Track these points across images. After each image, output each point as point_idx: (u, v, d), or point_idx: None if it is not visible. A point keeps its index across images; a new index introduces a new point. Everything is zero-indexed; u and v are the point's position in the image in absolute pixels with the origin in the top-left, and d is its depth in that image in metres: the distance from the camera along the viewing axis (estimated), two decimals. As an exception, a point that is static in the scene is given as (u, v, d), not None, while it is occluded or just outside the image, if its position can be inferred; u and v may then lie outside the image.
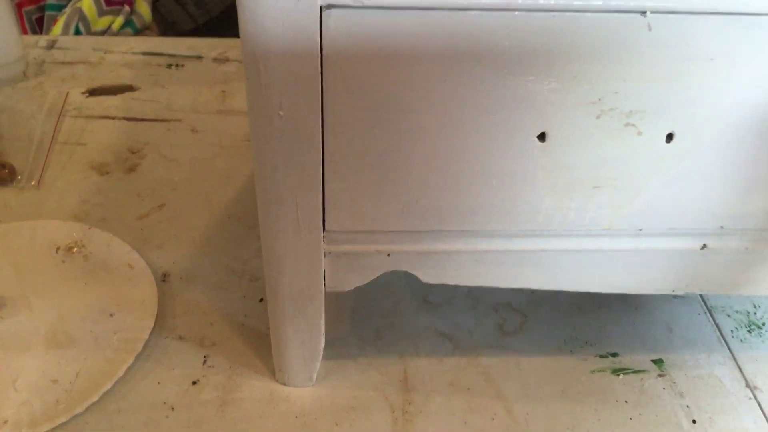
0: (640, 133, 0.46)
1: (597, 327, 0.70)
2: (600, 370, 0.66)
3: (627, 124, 0.46)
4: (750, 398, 0.64)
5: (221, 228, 0.80)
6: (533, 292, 0.74)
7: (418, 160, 0.47)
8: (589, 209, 0.51)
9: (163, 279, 0.72)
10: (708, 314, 0.72)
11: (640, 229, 0.53)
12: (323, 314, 0.58)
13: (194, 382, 0.63)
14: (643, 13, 0.40)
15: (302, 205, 0.49)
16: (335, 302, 0.71)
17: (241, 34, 0.41)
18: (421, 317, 0.71)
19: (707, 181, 0.49)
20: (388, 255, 0.53)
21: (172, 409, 0.60)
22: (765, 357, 0.68)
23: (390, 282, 0.74)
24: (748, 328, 0.71)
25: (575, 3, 0.40)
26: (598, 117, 0.45)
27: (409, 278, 0.72)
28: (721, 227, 0.53)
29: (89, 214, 0.79)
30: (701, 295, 0.74)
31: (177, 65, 1.07)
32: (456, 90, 0.43)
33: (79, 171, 0.85)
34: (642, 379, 0.66)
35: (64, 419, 0.57)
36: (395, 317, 0.70)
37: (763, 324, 0.72)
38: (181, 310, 0.69)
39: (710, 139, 0.47)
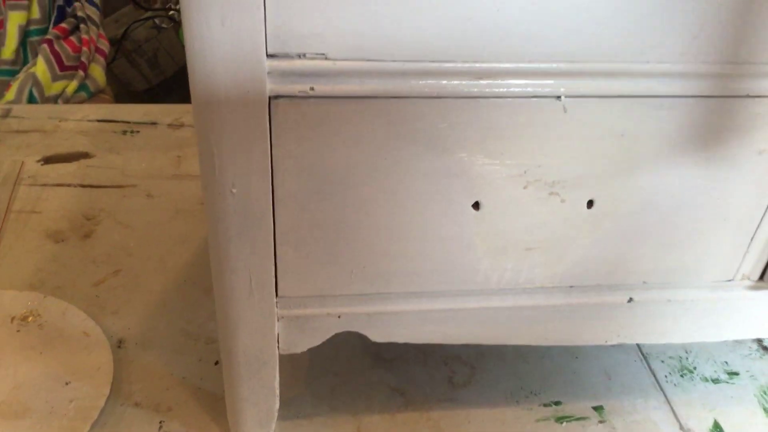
0: (563, 201, 0.51)
1: (540, 377, 0.74)
2: (544, 419, 0.70)
3: (551, 193, 0.50)
4: (684, 440, 0.69)
5: (177, 292, 0.82)
6: (478, 344, 0.77)
7: (364, 229, 0.50)
8: (523, 269, 0.55)
9: (118, 345, 0.73)
10: (644, 361, 0.77)
11: (571, 286, 0.57)
12: (277, 376, 0.61)
13: (154, 448, 0.64)
14: (558, 97, 0.46)
15: (255, 274, 0.52)
16: (290, 361, 0.74)
17: (195, 124, 0.44)
18: (374, 373, 0.73)
19: (627, 241, 0.54)
20: (339, 317, 0.56)
21: (130, 476, 0.61)
22: (697, 400, 0.73)
23: (344, 339, 0.76)
24: (681, 373, 0.76)
25: (497, 90, 0.45)
26: (525, 187, 0.50)
27: (362, 336, 0.75)
28: (644, 282, 0.58)
29: (45, 282, 0.80)
30: (637, 343, 0.79)
31: (132, 131, 1.10)
32: (396, 166, 0.48)
33: (34, 239, 0.86)
34: (584, 426, 0.69)
35: (19, 492, 0.57)
36: (349, 374, 0.73)
37: (695, 368, 0.77)
38: (137, 376, 0.70)
39: (626, 204, 0.52)
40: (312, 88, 0.44)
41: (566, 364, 0.76)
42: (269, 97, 0.43)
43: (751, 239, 0.56)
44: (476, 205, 0.50)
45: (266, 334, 0.55)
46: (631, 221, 0.53)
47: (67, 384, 0.67)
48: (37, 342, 0.71)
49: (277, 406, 0.62)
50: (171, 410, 0.67)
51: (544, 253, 0.54)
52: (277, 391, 0.61)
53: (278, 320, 0.55)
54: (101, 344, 0.71)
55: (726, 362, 0.78)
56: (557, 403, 0.71)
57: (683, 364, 0.77)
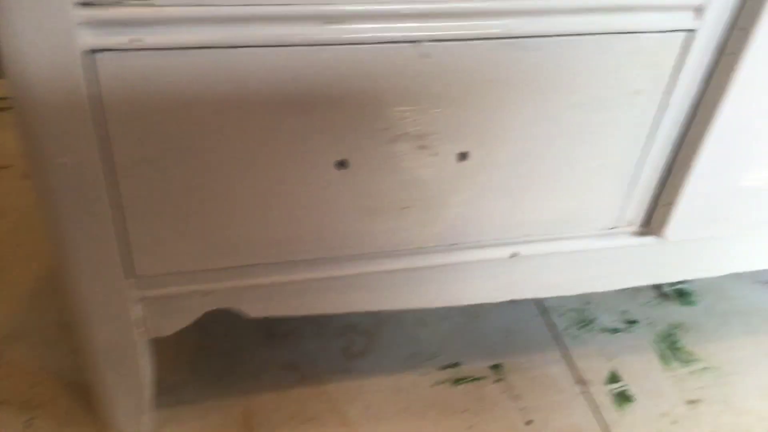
0: (435, 154, 0.48)
1: (439, 340, 0.72)
2: (441, 383, 0.68)
3: (421, 147, 0.47)
4: (580, 393, 0.68)
5: (50, 281, 0.75)
6: (377, 311, 0.75)
7: (218, 197, 0.46)
8: (400, 230, 0.52)
9: (-20, 340, 0.67)
10: (543, 315, 0.76)
11: (453, 244, 0.54)
12: (146, 361, 0.56)
13: (15, 450, 0.58)
14: (416, 42, 0.42)
15: (101, 253, 0.46)
16: (175, 344, 0.69)
17: (11, 91, 0.38)
18: (266, 351, 0.69)
19: (505, 194, 0.52)
20: (207, 294, 0.52)
21: (-11, 483, 0.56)
22: (595, 351, 0.72)
23: (233, 318, 0.72)
24: (580, 325, 0.75)
25: (348, 36, 0.41)
26: (392, 141, 0.46)
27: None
28: (527, 235, 0.56)
29: None
30: (536, 298, 0.78)
31: (4, 108, 1.00)
32: (246, 125, 0.43)
33: None
34: (480, 386, 0.68)
35: None
36: (238, 354, 0.69)
37: (594, 319, 0.76)
38: (3, 373, 0.64)
39: (501, 154, 0.49)
40: (136, 39, 0.39)
41: (466, 324, 0.74)
42: (90, 50, 0.38)
43: (632, 185, 0.54)
44: (342, 164, 0.47)
45: (122, 318, 0.51)
46: (508, 173, 0.51)
47: None
48: None
49: (149, 393, 0.57)
50: (40, 407, 0.62)
51: (420, 211, 0.51)
52: (148, 378, 0.56)
53: (138, 302, 0.51)
54: (-43, 342, 0.64)
55: (625, 311, 0.78)
56: (455, 365, 0.70)
57: (583, 316, 0.77)
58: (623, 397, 0.68)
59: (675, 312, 0.78)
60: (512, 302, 0.76)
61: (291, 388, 0.66)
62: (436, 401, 0.66)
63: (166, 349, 0.68)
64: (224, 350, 0.69)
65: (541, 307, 0.77)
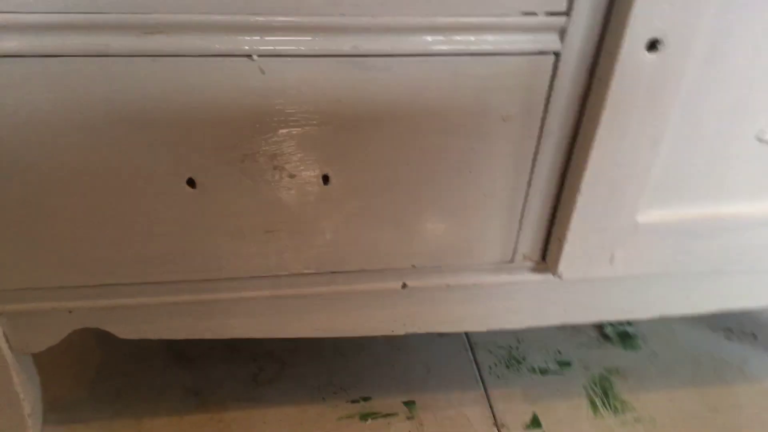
0: (292, 176, 0.46)
1: (355, 371, 0.69)
2: (348, 417, 0.65)
3: (275, 167, 0.45)
4: (495, 436, 0.64)
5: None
6: (298, 339, 0.72)
7: (60, 212, 0.45)
8: (270, 254, 0.50)
9: None
10: (469, 351, 0.72)
11: (333, 272, 0.52)
12: (26, 377, 0.55)
13: None
14: (250, 56, 0.40)
15: (-53, 263, 0.46)
16: (78, 362, 0.68)
17: None
18: (171, 372, 0.68)
19: (380, 222, 0.49)
20: (70, 312, 0.51)
21: None
22: (519, 393, 0.68)
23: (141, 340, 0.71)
24: (508, 364, 0.71)
25: (172, 47, 0.39)
26: (242, 161, 0.44)
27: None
28: (414, 266, 0.53)
29: None
30: (466, 332, 0.74)
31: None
32: (83, 139, 0.42)
33: None
34: (389, 422, 0.64)
35: None
36: (142, 375, 0.67)
37: (524, 358, 0.72)
38: None
39: (368, 180, 0.47)
40: (-45, 47, 0.38)
41: (385, 356, 0.71)
42: None
43: (521, 216, 0.51)
44: (191, 183, 0.45)
45: (-18, 332, 0.50)
46: (379, 198, 0.48)
47: None
48: None
49: (32, 409, 0.56)
50: (-71, 418, 0.61)
51: (289, 236, 0.49)
52: (30, 394, 0.55)
53: (-3, 316, 0.50)
54: None
55: (559, 351, 0.73)
56: (366, 399, 0.66)
57: (512, 353, 0.73)
58: (540, 444, 0.64)
59: (615, 355, 0.73)
60: (440, 335, 0.73)
61: (188, 413, 0.64)
62: (337, 436, 0.63)
63: (66, 366, 0.67)
64: (128, 370, 0.67)
65: (468, 342, 0.73)
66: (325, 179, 0.46)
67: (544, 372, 0.71)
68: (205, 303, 0.52)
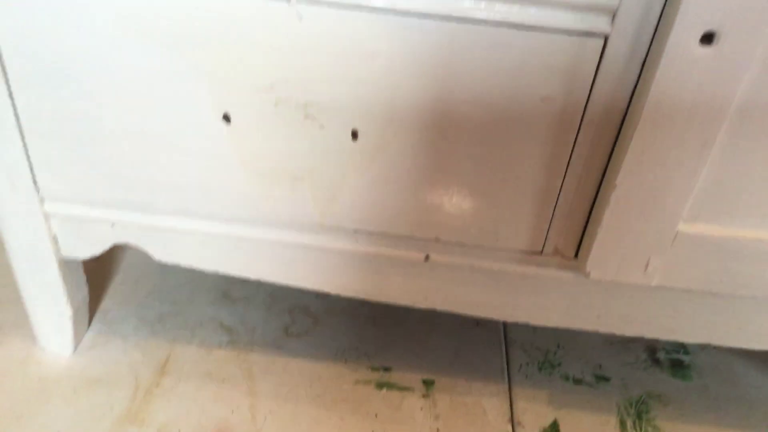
0: (322, 127, 0.46)
1: (382, 342, 0.69)
2: (365, 382, 0.65)
3: (306, 116, 0.46)
4: (507, 432, 0.62)
5: None
6: (336, 301, 0.73)
7: (108, 126, 0.48)
8: (296, 201, 0.51)
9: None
10: (503, 345, 0.70)
11: (355, 230, 0.52)
12: (73, 282, 0.60)
13: (-42, 334, 0.65)
14: (289, 1, 0.41)
15: (10, 163, 0.50)
16: (133, 282, 0.73)
17: None
18: (212, 309, 0.71)
19: (406, 187, 0.49)
20: (112, 225, 0.54)
21: (-76, 355, 0.62)
22: (544, 396, 0.66)
23: (196, 275, 0.74)
24: (541, 366, 0.69)
25: (217, -18, 0.41)
26: (276, 105, 0.46)
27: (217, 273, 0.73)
28: (437, 238, 0.52)
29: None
30: (504, 326, 0.72)
31: None
32: (131, 59, 0.45)
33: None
34: (403, 396, 0.64)
35: None
36: (186, 306, 0.71)
37: (559, 364, 0.69)
38: (-17, 268, 0.72)
39: (397, 140, 0.47)
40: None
41: (416, 334, 0.71)
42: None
43: (555, 206, 0.49)
44: (227, 118, 0.47)
45: (37, 231, 0.54)
46: (407, 164, 0.48)
47: None
48: None
49: (70, 312, 0.61)
50: (-2, 305, 0.68)
51: (314, 186, 0.50)
52: (66, 297, 0.60)
53: (50, 219, 0.54)
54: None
55: (600, 365, 0.70)
56: (386, 369, 0.66)
57: (548, 357, 0.70)
58: (553, 452, 0.61)
59: (661, 381, 0.68)
60: (477, 324, 0.72)
61: (218, 348, 0.67)
62: (351, 397, 0.63)
63: (120, 284, 0.72)
64: (174, 299, 0.71)
65: (505, 336, 0.71)
66: (354, 135, 0.47)
67: (577, 382, 0.68)
68: (231, 239, 0.54)
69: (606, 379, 0.68)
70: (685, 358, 0.71)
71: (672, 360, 0.71)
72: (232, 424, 0.60)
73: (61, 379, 0.62)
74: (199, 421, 0.60)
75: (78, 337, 0.64)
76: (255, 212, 0.52)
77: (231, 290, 0.73)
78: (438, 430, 0.62)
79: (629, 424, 0.64)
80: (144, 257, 0.75)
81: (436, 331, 0.71)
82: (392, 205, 0.50)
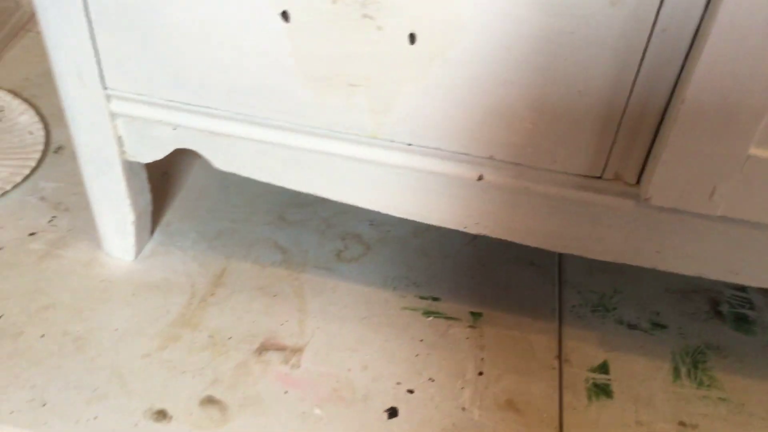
0: (380, 28, 0.46)
1: (433, 273, 0.69)
2: (412, 309, 0.65)
3: (364, 15, 0.45)
4: (554, 368, 0.61)
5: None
6: (389, 230, 0.73)
7: (173, 24, 0.49)
8: (351, 110, 0.51)
9: (55, 151, 0.78)
10: (556, 286, 0.69)
11: (409, 144, 0.52)
12: (127, 182, 0.61)
13: (31, 234, 0.68)
14: None
15: (79, 59, 0.52)
16: (196, 198, 0.75)
17: None
18: (268, 230, 0.72)
19: (464, 97, 0.48)
20: (174, 129, 0.56)
21: (1, 248, 0.66)
22: (595, 338, 0.64)
23: (255, 196, 0.76)
24: (594, 308, 0.67)
25: None
26: (334, 2, 0.45)
27: (274, 196, 0.75)
28: (492, 157, 0.51)
29: (26, 89, 0.87)
30: (559, 267, 0.71)
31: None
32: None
33: (37, 55, 0.94)
34: (450, 325, 0.64)
35: None
36: (243, 224, 0.72)
37: (614, 308, 0.67)
38: (57, 176, 0.75)
39: (457, 48, 0.45)
40: None
41: (469, 268, 0.70)
42: None
43: (618, 126, 0.47)
44: (285, 16, 0.47)
45: (103, 129, 0.56)
46: (465, 73, 0.46)
47: (-9, 166, 0.74)
48: (-12, 130, 0.78)
49: (132, 217, 0.63)
50: (68, 210, 0.71)
51: (370, 95, 0.49)
52: (129, 201, 0.62)
53: (115, 118, 0.56)
54: (36, 145, 0.77)
55: (657, 312, 0.67)
56: (435, 299, 0.66)
57: (603, 300, 0.68)
58: (601, 390, 0.60)
59: (721, 334, 0.65)
60: (531, 264, 0.70)
61: (271, 265, 0.68)
62: (397, 322, 0.64)
63: (182, 199, 0.75)
64: (235, 217, 0.73)
65: (559, 278, 0.70)
66: (412, 38, 0.46)
67: (632, 327, 0.65)
68: (287, 149, 0.54)
69: (662, 327, 0.66)
70: (750, 314, 0.68)
71: (736, 314, 0.67)
72: (280, 335, 0.62)
73: (121, 281, 0.65)
74: (249, 330, 0.62)
75: (140, 245, 0.67)
76: (311, 121, 0.52)
77: (287, 214, 0.74)
78: (483, 359, 0.61)
79: (683, 371, 0.62)
80: (206, 177, 0.77)
81: (488, 267, 0.70)
82: (448, 117, 0.49)
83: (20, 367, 0.57)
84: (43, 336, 0.59)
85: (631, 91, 0.45)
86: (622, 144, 0.47)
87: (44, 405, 0.55)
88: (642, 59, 0.43)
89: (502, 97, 0.47)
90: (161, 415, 0.54)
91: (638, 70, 0.43)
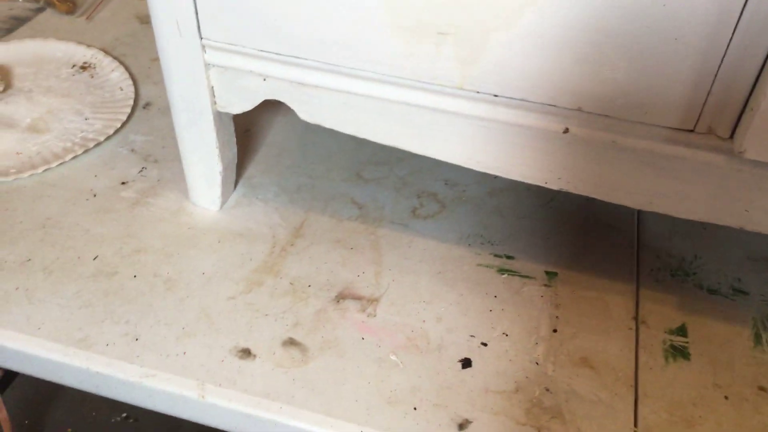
0: (473, -25, 0.46)
1: (508, 232, 0.69)
2: (487, 266, 0.66)
3: (458, -38, 0.46)
4: (630, 329, 0.61)
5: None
6: (464, 190, 0.74)
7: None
8: (438, 59, 0.51)
9: (144, 107, 0.82)
10: (635, 249, 0.68)
11: (495, 95, 0.52)
12: (225, 137, 0.64)
13: (123, 183, 0.72)
14: None
15: (178, 9, 0.54)
16: (276, 154, 0.77)
17: None
18: (346, 185, 0.74)
19: (554, 46, 0.48)
20: (264, 79, 0.58)
21: (95, 195, 0.70)
22: (674, 301, 0.63)
23: (332, 154, 0.77)
24: (673, 273, 0.66)
25: None
26: (429, -50, 0.46)
27: (352, 154, 0.76)
28: (580, 108, 0.50)
29: (115, 48, 0.91)
30: (638, 230, 0.70)
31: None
32: None
33: (125, 17, 0.98)
34: (525, 283, 0.64)
35: (9, 179, 0.69)
36: (322, 180, 0.74)
37: (694, 273, 0.66)
38: (146, 130, 0.79)
39: (549, -6, 0.45)
40: None
41: (544, 228, 0.70)
42: None
43: (715, 76, 0.46)
44: (379, -35, 0.48)
45: (197, 78, 0.59)
46: (555, 19, 0.46)
47: (86, 119, 0.77)
48: (83, 85, 0.82)
49: (220, 167, 0.66)
50: (157, 162, 0.75)
51: (458, 43, 0.50)
52: (218, 151, 0.64)
53: (209, 68, 0.58)
54: (127, 100, 0.80)
55: (739, 279, 0.66)
56: (509, 257, 0.67)
57: (683, 265, 0.67)
58: (678, 352, 0.59)
59: (808, 302, 0.64)
60: (609, 227, 0.70)
61: (348, 219, 0.70)
62: (472, 278, 0.64)
63: (265, 155, 0.77)
64: (314, 173, 0.75)
65: (638, 241, 0.69)
66: (506, -14, 0.46)
67: (712, 292, 0.64)
68: (372, 100, 0.55)
69: (744, 293, 0.64)
70: (841, 284, 0.65)
71: (824, 284, 0.65)
72: (357, 286, 0.63)
73: (207, 229, 0.67)
74: (327, 280, 0.64)
75: (225, 196, 0.69)
76: (397, 71, 0.53)
77: (363, 171, 0.76)
78: (557, 317, 0.61)
79: (765, 338, 0.60)
80: (286, 136, 0.79)
81: (564, 228, 0.70)
82: (536, 67, 0.49)
83: (115, 304, 0.60)
84: (135, 276, 0.63)
85: (731, 37, 0.44)
86: (718, 95, 0.46)
87: (137, 339, 0.58)
88: (745, 2, 0.42)
89: (593, 45, 0.47)
90: (246, 353, 0.57)
91: (740, 14, 0.42)
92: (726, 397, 0.56)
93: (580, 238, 0.69)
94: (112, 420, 1.39)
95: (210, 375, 0.55)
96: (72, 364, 0.56)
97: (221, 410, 0.54)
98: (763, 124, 0.45)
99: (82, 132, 0.75)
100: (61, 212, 0.68)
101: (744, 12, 0.42)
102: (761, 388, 0.57)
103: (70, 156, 0.72)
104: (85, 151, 0.73)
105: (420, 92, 0.54)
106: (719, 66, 0.45)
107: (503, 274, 0.65)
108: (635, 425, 0.54)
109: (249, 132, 0.79)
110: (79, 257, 0.64)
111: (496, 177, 0.73)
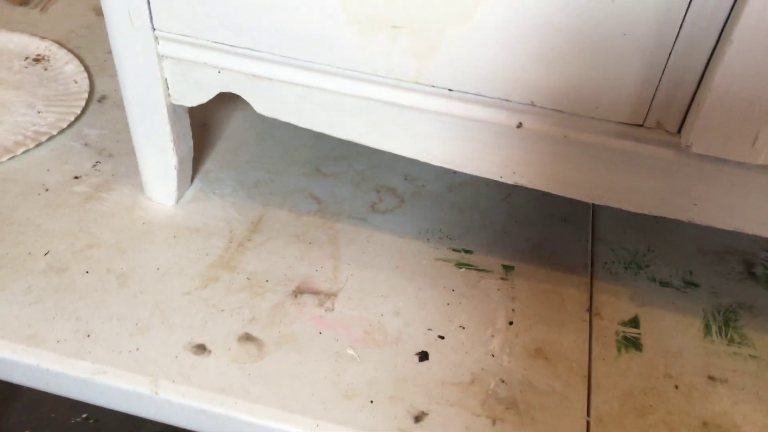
0: (426, -31, 0.46)
1: (466, 227, 0.70)
2: (445, 260, 0.66)
3: (411, -44, 0.46)
4: (584, 321, 0.62)
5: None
6: (423, 185, 0.74)
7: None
8: (393, 53, 0.51)
9: (99, 100, 0.80)
10: (589, 243, 0.69)
11: (450, 89, 0.52)
12: (178, 130, 0.63)
13: (76, 177, 0.70)
14: None
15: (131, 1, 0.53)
16: (234, 148, 0.76)
17: None
18: (305, 180, 0.73)
19: (508, 40, 0.48)
20: (219, 72, 0.57)
21: (47, 190, 0.68)
22: (626, 293, 0.65)
23: (291, 149, 0.77)
24: (626, 265, 0.67)
25: None
26: (382, -58, 0.46)
27: (311, 149, 0.76)
28: (532, 103, 0.51)
29: (70, 40, 0.89)
30: (592, 224, 0.71)
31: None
32: None
33: (80, 9, 0.96)
34: (482, 277, 0.65)
35: (-44, 173, 0.67)
36: (280, 175, 0.74)
37: (647, 266, 0.67)
38: (101, 124, 0.77)
39: (502, -11, 0.46)
40: None
41: (503, 225, 0.70)
42: None
43: (663, 71, 0.47)
44: (333, -43, 0.47)
45: (150, 71, 0.58)
46: (511, 11, 0.47)
47: (39, 113, 0.76)
48: (36, 78, 0.80)
49: (175, 162, 0.65)
50: (112, 156, 0.73)
51: (414, 37, 0.50)
52: (172, 145, 0.63)
53: (162, 60, 0.57)
54: (81, 93, 0.79)
55: (690, 272, 0.67)
56: (468, 252, 0.67)
57: (636, 258, 0.68)
58: (630, 343, 0.60)
59: (755, 294, 0.65)
60: (564, 221, 0.71)
61: (306, 214, 0.69)
62: (429, 271, 0.65)
63: (222, 150, 0.76)
64: (272, 168, 0.74)
65: (592, 235, 0.70)
66: (458, -20, 0.46)
67: (664, 284, 0.66)
68: (327, 93, 0.55)
69: (695, 285, 0.66)
70: (786, 276, 0.67)
71: (770, 276, 0.67)
72: (315, 280, 0.63)
73: (162, 224, 0.66)
74: (285, 274, 0.63)
75: (181, 190, 0.68)
76: (352, 64, 0.53)
77: (322, 166, 0.75)
78: (513, 310, 0.62)
79: (714, 329, 0.62)
80: (244, 130, 0.79)
81: (521, 223, 0.71)
82: (491, 61, 0.50)
83: (66, 300, 0.59)
84: (87, 272, 0.62)
85: (678, 33, 0.45)
86: (666, 90, 0.47)
87: (89, 336, 0.57)
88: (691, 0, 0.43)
89: (545, 40, 0.47)
90: (201, 348, 0.56)
91: (686, 10, 0.43)
92: (676, 387, 0.57)
93: (537, 233, 0.70)
94: (72, 421, 1.37)
95: (164, 371, 0.55)
96: (21, 361, 0.55)
97: (175, 406, 0.54)
98: (709, 118, 0.46)
99: (34, 125, 0.74)
100: (11, 207, 0.66)
101: (690, 8, 0.43)
102: (710, 377, 0.58)
103: (22, 150, 0.70)
104: (38, 145, 0.72)
105: (375, 86, 0.54)
106: (667, 61, 0.46)
107: (461, 268, 0.65)
108: (588, 414, 0.55)
109: (206, 126, 0.78)
110: (29, 253, 0.63)
111: (455, 172, 0.74)
